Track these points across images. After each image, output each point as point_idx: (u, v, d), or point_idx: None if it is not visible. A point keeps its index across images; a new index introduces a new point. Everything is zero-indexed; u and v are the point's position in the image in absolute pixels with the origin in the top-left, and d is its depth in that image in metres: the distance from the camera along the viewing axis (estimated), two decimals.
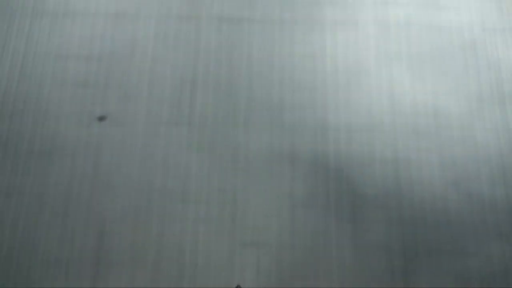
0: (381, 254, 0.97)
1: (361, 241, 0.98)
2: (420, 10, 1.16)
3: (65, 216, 0.99)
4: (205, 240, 0.98)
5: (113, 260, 0.96)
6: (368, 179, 1.02)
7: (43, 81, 1.08)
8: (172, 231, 0.98)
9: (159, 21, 1.14)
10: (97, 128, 1.05)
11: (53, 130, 1.05)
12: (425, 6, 1.16)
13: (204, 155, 1.04)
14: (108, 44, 1.11)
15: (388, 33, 1.13)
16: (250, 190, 1.01)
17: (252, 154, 1.04)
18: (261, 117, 1.06)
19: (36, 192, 1.00)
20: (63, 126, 1.05)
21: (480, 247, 0.98)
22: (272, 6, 1.15)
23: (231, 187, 1.01)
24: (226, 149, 1.04)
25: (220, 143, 1.04)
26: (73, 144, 1.04)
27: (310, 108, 1.07)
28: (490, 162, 1.04)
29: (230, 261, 0.96)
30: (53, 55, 1.11)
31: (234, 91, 1.08)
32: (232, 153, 1.04)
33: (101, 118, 1.05)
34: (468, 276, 0.96)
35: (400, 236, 0.98)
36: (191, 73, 1.10)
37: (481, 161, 1.04)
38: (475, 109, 1.08)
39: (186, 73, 1.10)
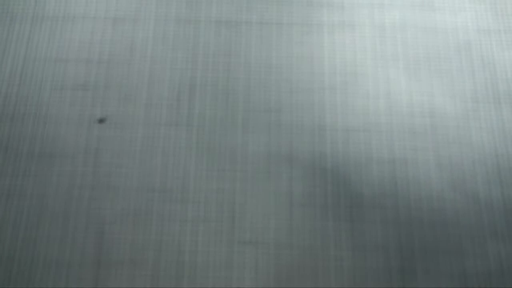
0: (379, 253, 0.97)
1: (359, 240, 0.98)
2: (416, 12, 1.16)
3: (65, 217, 0.99)
4: (204, 240, 0.98)
5: (113, 259, 0.96)
6: (365, 179, 1.03)
7: (44, 85, 1.09)
8: (171, 231, 0.99)
9: (157, 24, 1.14)
10: (97, 130, 1.06)
11: (54, 132, 1.05)
12: (420, 8, 1.17)
13: (202, 155, 1.04)
14: (108, 47, 1.12)
15: (384, 35, 1.14)
16: (249, 190, 1.02)
17: (250, 155, 1.04)
18: (259, 118, 1.07)
19: (36, 193, 1.00)
20: (63, 128, 1.06)
21: (476, 246, 0.98)
22: (270, 9, 1.16)
23: (229, 187, 1.02)
24: (225, 150, 1.04)
25: (218, 144, 1.05)
26: (73, 146, 1.04)
27: (307, 109, 1.08)
28: (486, 162, 1.04)
29: (229, 260, 0.97)
30: (53, 58, 1.11)
31: (232, 93, 1.09)
32: (230, 154, 1.04)
33: (101, 120, 1.06)
34: (465, 275, 0.96)
35: (397, 236, 0.99)
36: (189, 75, 1.10)
37: (476, 161, 1.04)
38: (471, 109, 1.08)
39: (184, 75, 1.10)
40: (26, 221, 0.98)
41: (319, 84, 1.10)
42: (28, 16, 1.15)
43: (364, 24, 1.15)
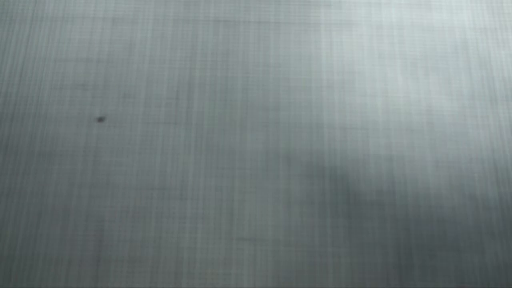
0: (376, 250, 0.98)
1: (356, 237, 0.99)
2: (413, 11, 1.17)
3: (65, 215, 0.99)
4: (203, 237, 0.99)
5: (112, 257, 0.97)
6: (363, 176, 1.03)
7: (43, 84, 1.09)
8: (170, 228, 0.99)
9: (156, 24, 1.15)
10: (96, 128, 1.06)
11: (53, 131, 1.06)
12: (417, 7, 1.17)
13: (201, 153, 1.05)
14: (107, 47, 1.13)
15: (381, 34, 1.15)
16: (247, 188, 1.02)
17: (248, 153, 1.05)
18: (257, 116, 1.07)
19: (36, 191, 1.01)
20: (63, 127, 1.06)
21: (473, 243, 0.99)
22: (268, 8, 1.16)
23: (228, 185, 1.02)
24: (223, 148, 1.05)
25: (217, 142, 1.05)
26: (73, 145, 1.05)
27: (305, 107, 1.08)
28: (482, 159, 1.05)
29: (228, 257, 0.97)
30: (52, 58, 1.12)
31: (230, 92, 1.09)
32: (229, 152, 1.05)
33: (100, 119, 1.06)
34: (461, 272, 0.97)
35: (394, 232, 0.99)
36: (188, 74, 1.11)
37: (473, 158, 1.05)
38: (467, 107, 1.09)
39: (183, 74, 1.11)
40: (26, 219, 0.99)
41: (316, 83, 1.10)
42: (27, 17, 1.15)
43: (361, 23, 1.16)
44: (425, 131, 1.07)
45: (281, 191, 1.02)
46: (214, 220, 1.00)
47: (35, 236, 0.98)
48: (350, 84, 1.10)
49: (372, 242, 0.98)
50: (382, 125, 1.07)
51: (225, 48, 1.13)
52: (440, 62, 1.12)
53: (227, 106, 1.08)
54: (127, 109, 1.08)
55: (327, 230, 0.99)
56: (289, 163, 1.04)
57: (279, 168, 1.03)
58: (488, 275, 0.96)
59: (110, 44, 1.13)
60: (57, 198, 1.00)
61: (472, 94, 1.10)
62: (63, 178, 1.02)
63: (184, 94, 1.09)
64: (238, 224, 0.99)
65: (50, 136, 1.05)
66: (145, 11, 1.16)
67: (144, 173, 1.03)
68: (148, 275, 0.96)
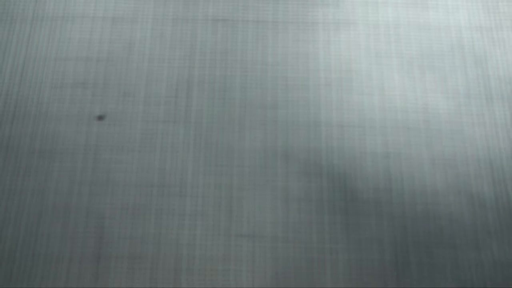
0: (373, 246, 0.98)
1: (354, 233, 0.99)
2: (409, 10, 1.17)
3: (66, 213, 1.00)
4: (202, 233, 0.99)
5: (112, 254, 0.97)
6: (360, 174, 1.03)
7: (44, 83, 1.10)
8: (170, 225, 0.99)
9: (155, 23, 1.15)
10: (97, 127, 1.06)
11: (54, 130, 1.06)
12: (414, 6, 1.18)
13: (200, 151, 1.05)
14: (106, 46, 1.13)
15: (378, 33, 1.15)
16: (245, 185, 1.02)
17: (247, 151, 1.05)
18: (255, 114, 1.08)
19: (37, 189, 1.01)
20: (63, 125, 1.06)
21: (469, 239, 0.99)
22: (266, 7, 1.17)
23: (227, 182, 1.02)
24: (222, 146, 1.05)
25: (215, 140, 1.06)
26: (73, 143, 1.05)
27: (303, 105, 1.08)
28: (478, 156, 1.05)
29: (227, 253, 0.98)
30: (53, 57, 1.12)
31: (229, 90, 1.10)
32: (227, 150, 1.05)
33: (100, 117, 1.07)
34: (457, 268, 0.97)
35: (391, 229, 0.99)
36: (187, 73, 1.11)
37: (469, 156, 1.05)
38: (463, 105, 1.09)
39: (182, 73, 1.11)
40: (27, 217, 0.99)
41: (314, 81, 1.10)
42: (28, 16, 1.16)
43: (359, 22, 1.16)
44: (422, 129, 1.07)
45: (279, 188, 1.02)
46: (213, 217, 1.00)
47: (36, 234, 0.98)
48: (347, 82, 1.10)
49: (369, 238, 0.98)
50: (379, 123, 1.07)
51: (224, 47, 1.13)
52: (436, 61, 1.12)
53: (226, 104, 1.08)
54: (127, 108, 1.08)
55: (325, 226, 0.99)
56: (287, 160, 1.04)
57: (277, 166, 1.04)
58: (484, 271, 0.97)
59: (109, 43, 1.13)
60: (57, 196, 1.01)
61: (468, 93, 1.10)
62: (64, 176, 1.02)
63: (183, 92, 1.09)
64: (237, 221, 1.00)
65: (51, 134, 1.05)
66: (145, 11, 1.16)
67: (144, 170, 1.03)
68: (148, 272, 0.96)
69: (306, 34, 1.14)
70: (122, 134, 1.06)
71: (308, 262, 0.97)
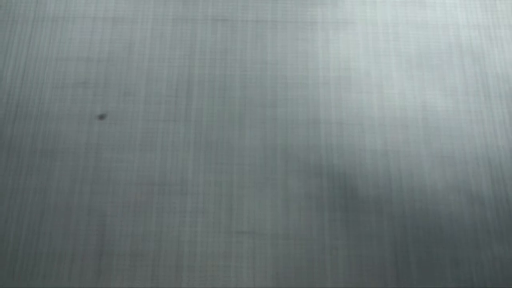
0: (373, 243, 0.99)
1: (353, 230, 0.99)
2: (407, 9, 1.17)
3: (68, 211, 1.00)
4: (203, 231, 0.99)
5: (114, 251, 0.97)
6: (359, 171, 1.03)
7: (45, 84, 1.10)
8: (171, 222, 1.00)
9: (155, 23, 1.15)
10: (98, 126, 1.07)
11: (55, 129, 1.06)
12: (412, 4, 1.18)
13: (200, 150, 1.05)
14: (107, 46, 1.13)
15: (376, 31, 1.15)
16: (246, 183, 1.03)
17: (246, 149, 1.05)
18: (255, 113, 1.08)
19: (39, 188, 1.02)
20: (64, 125, 1.07)
21: (468, 237, 0.99)
22: (265, 7, 1.17)
23: (227, 180, 1.03)
24: (222, 144, 1.05)
25: (216, 138, 1.06)
26: (74, 142, 1.05)
27: (302, 103, 1.09)
28: (476, 153, 1.05)
29: (227, 250, 0.98)
30: (54, 58, 1.12)
31: (228, 89, 1.10)
32: (227, 148, 1.05)
33: (101, 117, 1.07)
34: (457, 265, 0.97)
35: (391, 226, 1.00)
36: (187, 72, 1.11)
37: (467, 153, 1.05)
38: (461, 103, 1.09)
39: (182, 72, 1.11)
40: (29, 216, 1.00)
41: (313, 80, 1.11)
42: (29, 17, 1.16)
43: (357, 21, 1.16)
44: (420, 126, 1.07)
45: (279, 186, 1.02)
46: (213, 214, 1.00)
47: (38, 231, 0.98)
48: (346, 81, 1.11)
49: (369, 235, 0.99)
50: (377, 121, 1.07)
51: (223, 46, 1.13)
52: (434, 59, 1.13)
53: (226, 103, 1.08)
54: (128, 107, 1.08)
55: (325, 223, 1.00)
56: (286, 158, 1.04)
57: (277, 164, 1.04)
58: (483, 268, 0.97)
59: (110, 43, 1.13)
60: (59, 195, 1.01)
61: (466, 90, 1.10)
62: (65, 175, 1.03)
63: (183, 91, 1.09)
64: (237, 218, 1.00)
65: (52, 133, 1.06)
66: (145, 11, 1.16)
67: (145, 169, 1.03)
68: (149, 269, 0.96)
69: (305, 33, 1.14)
70: (123, 133, 1.06)
71: (308, 258, 0.97)
